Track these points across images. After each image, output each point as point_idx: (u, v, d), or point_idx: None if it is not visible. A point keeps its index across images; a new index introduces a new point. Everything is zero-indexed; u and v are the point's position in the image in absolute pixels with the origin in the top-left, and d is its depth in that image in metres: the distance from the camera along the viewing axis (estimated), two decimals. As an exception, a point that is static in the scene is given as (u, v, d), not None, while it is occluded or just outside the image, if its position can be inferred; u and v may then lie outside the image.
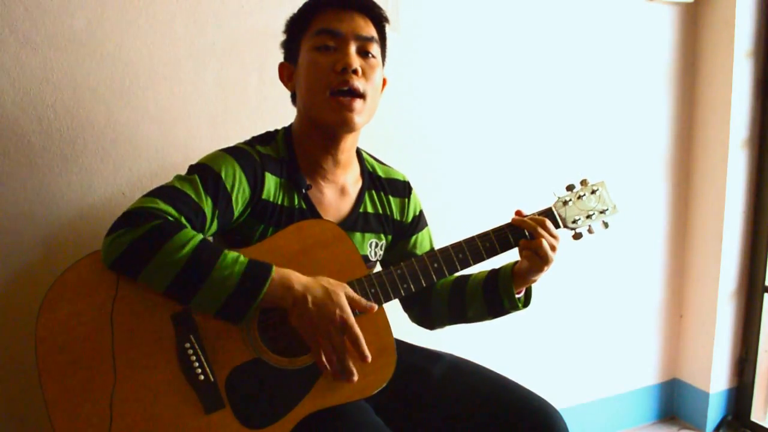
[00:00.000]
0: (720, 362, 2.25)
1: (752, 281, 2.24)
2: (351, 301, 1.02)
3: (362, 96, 1.11)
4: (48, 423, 0.94)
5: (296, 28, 1.17)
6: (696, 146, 2.25)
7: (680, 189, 2.28)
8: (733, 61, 2.07)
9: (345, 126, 1.12)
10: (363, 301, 1.04)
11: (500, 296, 1.20)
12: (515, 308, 1.22)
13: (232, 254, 0.98)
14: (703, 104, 2.21)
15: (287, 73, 1.20)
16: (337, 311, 0.99)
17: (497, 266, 1.25)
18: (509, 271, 1.20)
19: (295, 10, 1.19)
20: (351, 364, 1.01)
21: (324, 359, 1.01)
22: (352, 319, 1.00)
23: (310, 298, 0.98)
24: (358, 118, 1.11)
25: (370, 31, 1.14)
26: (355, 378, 1.01)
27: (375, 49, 1.15)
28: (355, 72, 1.09)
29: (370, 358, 1.01)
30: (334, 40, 1.11)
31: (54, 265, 1.37)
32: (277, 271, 0.99)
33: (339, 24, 1.11)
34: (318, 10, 1.13)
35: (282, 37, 1.22)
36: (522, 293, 1.23)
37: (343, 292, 1.01)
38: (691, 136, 2.26)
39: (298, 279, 1.00)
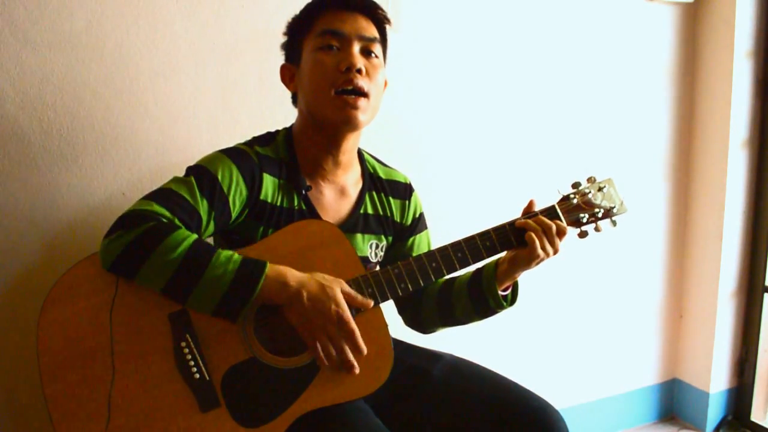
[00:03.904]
0: (720, 362, 2.25)
1: (752, 281, 2.24)
2: (346, 297, 1.02)
3: (366, 95, 1.11)
4: (48, 422, 0.95)
5: (298, 29, 1.17)
6: (696, 146, 2.25)
7: (680, 189, 2.28)
8: (733, 61, 2.07)
9: (349, 124, 1.12)
10: (359, 297, 1.04)
11: (485, 295, 1.19)
12: (501, 307, 1.20)
13: (225, 253, 0.99)
14: (703, 104, 2.21)
15: (289, 74, 1.21)
16: (333, 306, 0.99)
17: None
18: (492, 269, 1.20)
19: (296, 11, 1.19)
20: (350, 357, 1.02)
21: (322, 354, 1.01)
22: (347, 312, 1.00)
23: (305, 294, 0.99)
24: (362, 116, 1.12)
25: (373, 31, 1.15)
26: (356, 370, 1.02)
27: (378, 49, 1.16)
28: (359, 71, 1.10)
29: (365, 351, 1.02)
30: (338, 40, 1.11)
31: (54, 265, 1.37)
32: (271, 268, 0.99)
33: (342, 25, 1.12)
34: (321, 11, 1.14)
35: (282, 38, 1.22)
36: (508, 291, 1.23)
37: (338, 287, 1.02)
38: (691, 136, 2.26)
39: (293, 275, 1.00)
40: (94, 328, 0.97)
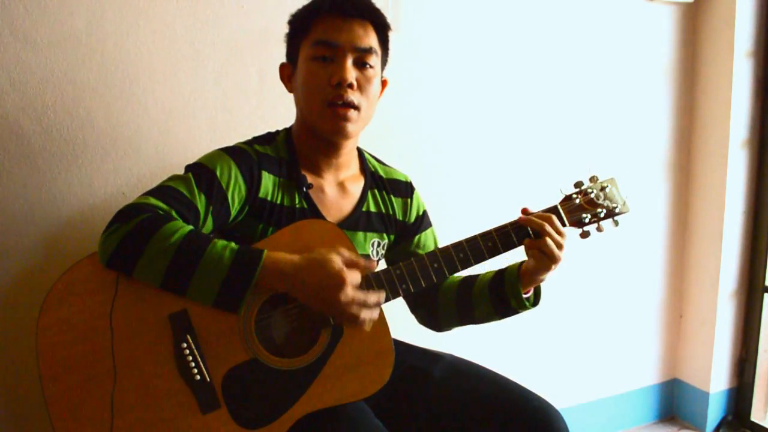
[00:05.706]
0: (720, 362, 2.25)
1: (752, 281, 2.24)
2: (347, 262, 0.99)
3: (357, 107, 1.12)
4: (48, 423, 0.95)
5: (297, 28, 1.16)
6: (696, 146, 2.25)
7: (680, 189, 2.28)
8: (733, 61, 2.07)
9: (338, 134, 1.13)
10: (361, 260, 1.02)
11: (507, 296, 1.19)
12: (523, 308, 1.20)
13: (221, 241, 0.98)
14: (703, 104, 2.21)
15: (287, 74, 1.21)
16: (334, 277, 0.96)
17: (504, 266, 1.24)
18: (515, 271, 1.19)
19: (299, 6, 1.18)
20: (370, 314, 1.00)
21: (348, 321, 1.00)
22: (348, 276, 0.97)
23: (305, 275, 0.97)
24: (351, 127, 1.12)
25: (369, 40, 1.13)
26: (382, 300, 1.03)
27: (373, 59, 1.14)
28: (350, 86, 1.10)
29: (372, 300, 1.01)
30: (331, 51, 1.10)
31: (54, 265, 1.37)
32: (268, 255, 0.98)
33: (337, 35, 1.10)
34: (318, 16, 1.12)
35: (283, 35, 1.21)
36: (530, 293, 1.22)
37: (336, 256, 0.99)
38: (691, 136, 2.26)
39: (290, 259, 0.99)
40: (93, 329, 0.97)
